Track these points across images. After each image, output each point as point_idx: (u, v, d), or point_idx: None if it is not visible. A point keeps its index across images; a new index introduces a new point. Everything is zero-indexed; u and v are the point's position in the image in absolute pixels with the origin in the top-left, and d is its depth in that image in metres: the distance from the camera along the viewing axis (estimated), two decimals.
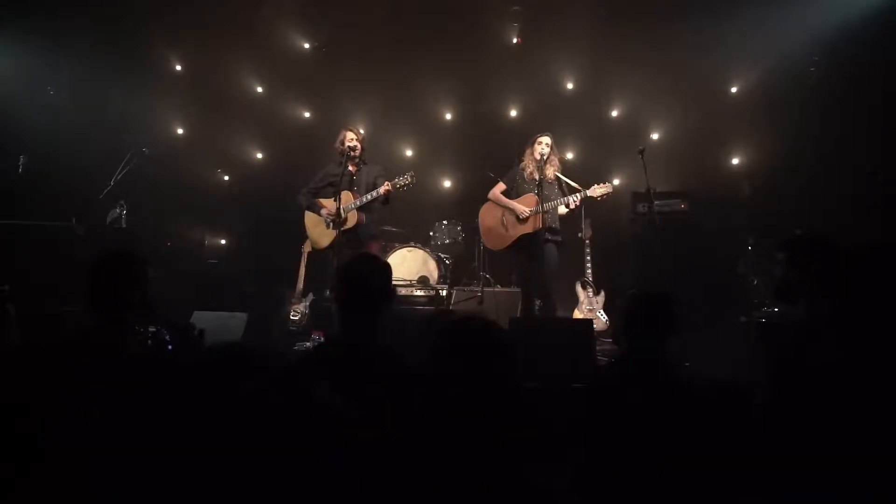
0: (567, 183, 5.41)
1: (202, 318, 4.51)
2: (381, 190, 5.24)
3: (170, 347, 2.01)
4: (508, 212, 5.44)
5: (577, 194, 5.27)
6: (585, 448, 2.25)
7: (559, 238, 5.38)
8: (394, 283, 2.49)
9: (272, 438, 0.80)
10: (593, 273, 6.11)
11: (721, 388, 2.91)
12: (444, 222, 6.70)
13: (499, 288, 6.21)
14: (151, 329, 2.06)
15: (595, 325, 4.68)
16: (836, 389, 1.43)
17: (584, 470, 2.19)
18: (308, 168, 5.92)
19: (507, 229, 5.45)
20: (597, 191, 5.21)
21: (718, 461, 2.00)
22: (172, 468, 1.10)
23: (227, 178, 7.68)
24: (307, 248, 5.88)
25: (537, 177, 5.29)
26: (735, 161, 6.92)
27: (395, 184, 5.25)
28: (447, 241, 6.62)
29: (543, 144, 5.36)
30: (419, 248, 6.46)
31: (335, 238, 5.17)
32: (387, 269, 2.39)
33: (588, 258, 6.12)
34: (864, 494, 1.26)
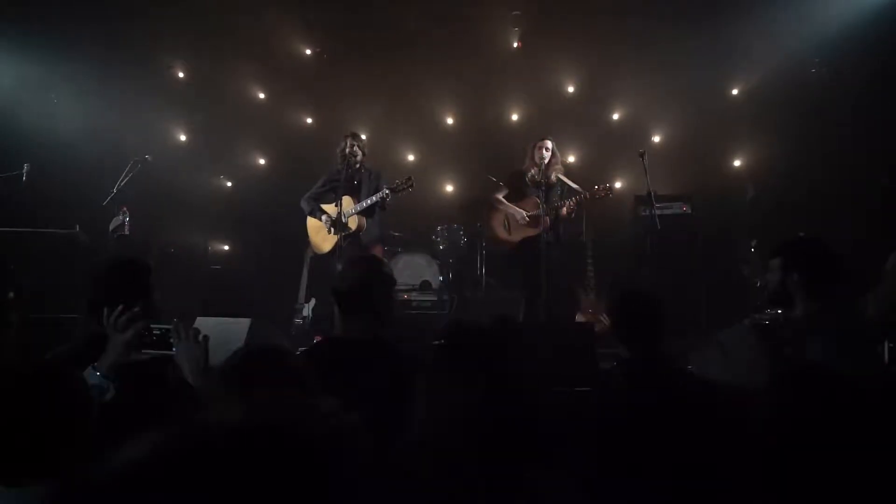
0: (570, 186, 5.41)
1: (204, 324, 4.50)
2: (379, 194, 5.25)
3: (173, 350, 2.02)
4: (510, 215, 5.45)
5: (573, 198, 5.27)
6: (590, 451, 2.24)
7: (561, 242, 5.37)
8: (395, 287, 2.52)
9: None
10: (595, 276, 6.10)
11: (725, 390, 2.91)
12: (446, 226, 6.70)
13: (501, 291, 6.20)
14: (155, 332, 2.06)
15: (597, 328, 4.67)
16: (838, 389, 1.42)
17: (589, 473, 2.18)
18: (310, 173, 5.93)
19: (509, 232, 5.46)
20: (596, 194, 5.22)
21: (726, 464, 1.99)
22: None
23: (229, 183, 7.70)
24: (310, 253, 5.89)
25: (539, 180, 5.29)
26: (737, 163, 6.91)
27: (394, 188, 5.26)
28: (449, 245, 6.61)
29: (544, 149, 5.36)
30: (421, 252, 6.46)
31: (337, 243, 5.19)
32: (382, 269, 2.48)
33: (590, 261, 6.11)
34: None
